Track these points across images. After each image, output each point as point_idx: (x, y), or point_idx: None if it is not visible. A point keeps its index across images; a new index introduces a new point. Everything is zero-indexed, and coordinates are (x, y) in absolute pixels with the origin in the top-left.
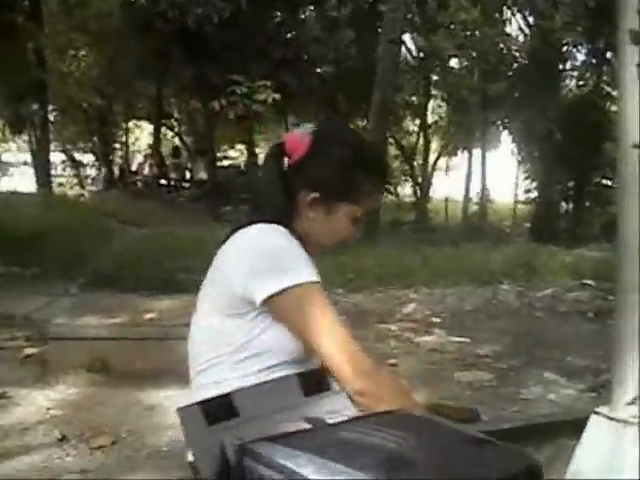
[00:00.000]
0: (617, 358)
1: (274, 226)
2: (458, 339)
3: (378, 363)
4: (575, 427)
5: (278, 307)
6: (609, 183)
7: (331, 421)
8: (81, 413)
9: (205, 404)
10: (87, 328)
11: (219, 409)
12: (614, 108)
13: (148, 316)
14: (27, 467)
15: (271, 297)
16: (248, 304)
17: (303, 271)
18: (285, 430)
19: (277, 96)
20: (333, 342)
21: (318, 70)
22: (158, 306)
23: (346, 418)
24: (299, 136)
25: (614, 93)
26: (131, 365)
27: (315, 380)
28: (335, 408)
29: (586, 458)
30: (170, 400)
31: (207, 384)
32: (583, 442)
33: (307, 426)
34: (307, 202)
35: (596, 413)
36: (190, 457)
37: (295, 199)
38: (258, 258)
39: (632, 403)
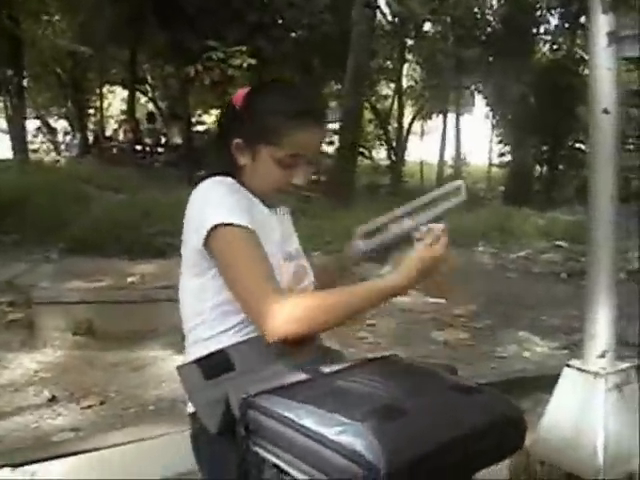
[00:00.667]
0: (588, 313)
1: (217, 179)
2: (434, 300)
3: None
4: (548, 382)
5: (212, 253)
6: (582, 147)
7: (326, 370)
8: (69, 374)
9: (201, 361)
10: (70, 292)
11: (215, 365)
12: (587, 72)
13: (130, 279)
14: (20, 427)
15: (206, 244)
16: (205, 260)
17: (228, 215)
18: (281, 381)
19: (253, 61)
20: (242, 294)
21: (293, 35)
22: (139, 270)
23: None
24: (240, 93)
25: (587, 57)
26: (116, 327)
27: None
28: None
29: (559, 408)
30: (155, 360)
31: (196, 342)
32: (556, 394)
33: (303, 376)
34: (234, 149)
35: (568, 366)
36: (190, 409)
37: (230, 150)
38: (198, 211)
39: (602, 356)
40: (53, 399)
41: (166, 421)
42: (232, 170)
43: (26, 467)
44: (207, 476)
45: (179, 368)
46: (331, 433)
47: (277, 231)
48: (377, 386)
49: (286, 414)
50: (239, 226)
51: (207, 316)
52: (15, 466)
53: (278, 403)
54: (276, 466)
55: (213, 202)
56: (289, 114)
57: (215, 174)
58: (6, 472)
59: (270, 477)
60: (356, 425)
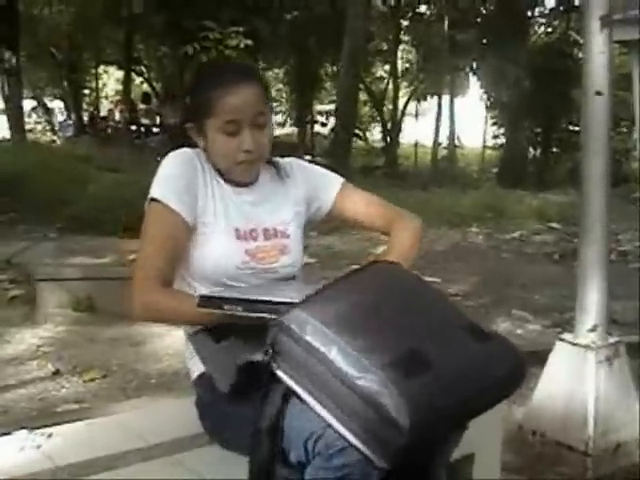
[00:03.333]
0: (580, 289)
1: (178, 151)
2: (429, 279)
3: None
4: (540, 358)
5: None
6: (576, 129)
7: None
8: (71, 349)
9: (210, 329)
10: (70, 269)
11: (224, 329)
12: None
13: (130, 257)
14: (25, 399)
15: None
16: None
17: (159, 191)
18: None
19: (249, 42)
20: (137, 262)
21: (289, 16)
22: (138, 247)
23: None
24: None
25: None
26: (115, 304)
27: None
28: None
29: (551, 381)
30: (154, 335)
31: None
32: (549, 366)
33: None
34: (189, 133)
35: (561, 340)
36: (194, 375)
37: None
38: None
39: (593, 330)
40: (57, 372)
41: (168, 394)
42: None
43: (43, 429)
44: (214, 437)
45: (190, 335)
46: (358, 378)
47: (235, 208)
48: (399, 319)
49: (318, 346)
50: (161, 203)
51: (189, 282)
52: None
53: (308, 328)
54: (301, 400)
55: (156, 177)
56: (212, 84)
57: (186, 146)
58: (23, 434)
59: (296, 427)
60: (382, 376)
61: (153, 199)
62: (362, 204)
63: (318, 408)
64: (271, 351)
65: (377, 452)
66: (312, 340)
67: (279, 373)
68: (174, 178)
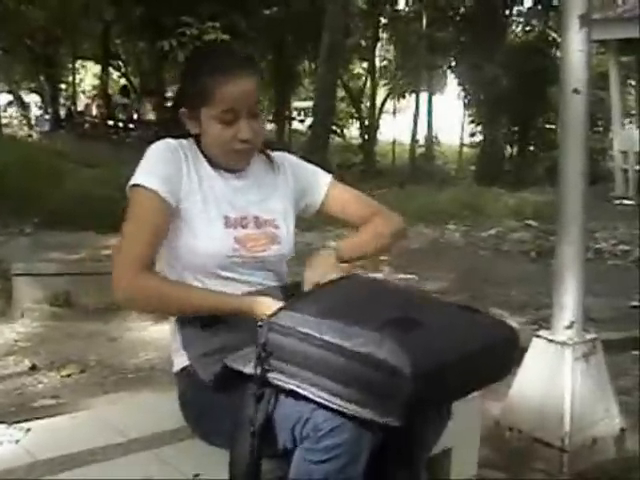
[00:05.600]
0: (556, 286)
1: (162, 140)
2: (405, 276)
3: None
4: (517, 354)
5: None
6: (553, 127)
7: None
8: (48, 344)
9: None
10: (47, 264)
11: (210, 315)
12: (559, 54)
13: (106, 252)
14: (2, 394)
15: None
16: None
17: (142, 177)
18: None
19: (226, 37)
20: (119, 246)
21: (267, 12)
22: (114, 243)
23: None
24: None
25: (559, 39)
26: (92, 299)
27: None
28: None
29: (528, 377)
30: (133, 331)
31: None
32: (525, 363)
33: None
34: (183, 119)
35: (537, 337)
36: (176, 368)
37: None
38: None
39: (570, 327)
40: (34, 368)
41: (146, 388)
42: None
43: (22, 424)
44: (195, 430)
45: (177, 320)
46: (353, 345)
47: (223, 195)
48: (383, 300)
49: (307, 331)
50: (145, 188)
51: (178, 271)
52: (9, 424)
53: (296, 320)
54: (291, 393)
55: (140, 164)
56: (210, 73)
57: (172, 136)
58: (1, 429)
59: (284, 413)
60: (376, 335)
61: (136, 185)
62: (350, 202)
63: (315, 394)
64: (263, 353)
65: (384, 411)
66: (301, 328)
67: (271, 377)
68: (157, 164)
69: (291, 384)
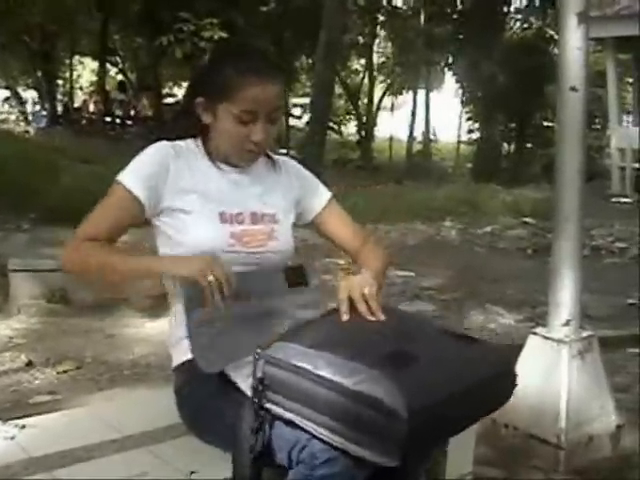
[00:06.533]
0: (553, 283)
1: (155, 144)
2: (402, 273)
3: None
4: (513, 352)
5: None
6: (550, 125)
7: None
8: (44, 341)
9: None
10: (43, 261)
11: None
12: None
13: None
14: None
15: None
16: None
17: (125, 175)
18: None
19: (224, 34)
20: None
21: (265, 8)
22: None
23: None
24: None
25: (557, 36)
26: (89, 295)
27: (294, 274)
28: (307, 302)
29: (524, 374)
30: (129, 328)
31: None
32: (521, 360)
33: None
34: (198, 107)
35: (534, 334)
36: (175, 363)
37: (195, 110)
38: None
39: (566, 324)
40: (30, 364)
41: (142, 385)
42: (196, 131)
43: (17, 420)
44: (191, 428)
45: (185, 305)
46: (350, 383)
47: (220, 191)
48: (378, 329)
49: (303, 365)
50: (122, 185)
51: None
52: (4, 420)
53: (293, 353)
54: (289, 422)
55: (129, 164)
56: (240, 70)
57: (164, 139)
58: None
59: (281, 434)
60: (373, 372)
61: (116, 180)
62: (341, 224)
63: (313, 429)
64: (260, 386)
65: (382, 451)
66: (297, 362)
67: (268, 407)
68: (140, 165)
69: (288, 415)
